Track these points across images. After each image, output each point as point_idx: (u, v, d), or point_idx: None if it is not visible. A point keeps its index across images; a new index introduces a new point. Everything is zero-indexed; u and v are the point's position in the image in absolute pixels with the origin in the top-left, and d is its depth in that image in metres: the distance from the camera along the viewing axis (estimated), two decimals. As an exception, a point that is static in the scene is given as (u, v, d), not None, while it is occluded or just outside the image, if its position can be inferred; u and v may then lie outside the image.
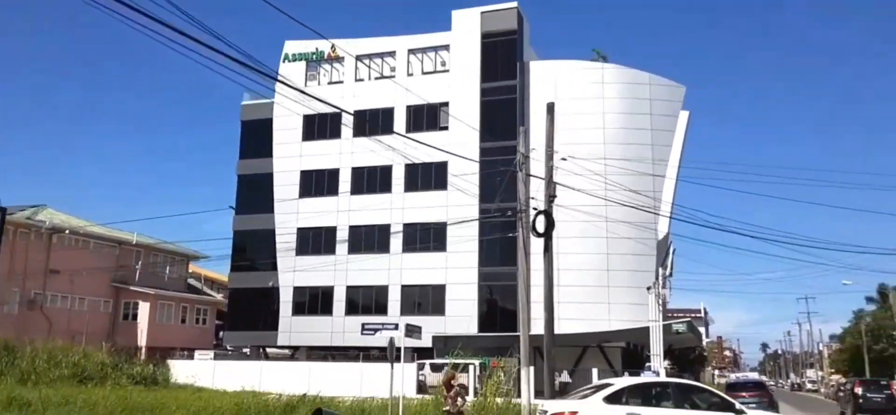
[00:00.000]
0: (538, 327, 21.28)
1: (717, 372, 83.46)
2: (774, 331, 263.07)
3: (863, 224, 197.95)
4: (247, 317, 40.97)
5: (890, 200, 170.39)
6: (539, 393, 22.11)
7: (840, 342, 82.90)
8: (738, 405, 11.75)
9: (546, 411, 12.41)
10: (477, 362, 27.55)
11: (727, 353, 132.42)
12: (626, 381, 13.43)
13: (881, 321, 64.33)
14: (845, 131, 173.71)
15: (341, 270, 39.26)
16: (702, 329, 78.03)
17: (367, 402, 20.86)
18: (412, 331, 19.27)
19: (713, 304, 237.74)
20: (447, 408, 14.88)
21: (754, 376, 69.09)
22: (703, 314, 79.86)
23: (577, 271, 35.35)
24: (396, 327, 21.26)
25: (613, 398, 11.80)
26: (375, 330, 24.92)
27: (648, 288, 30.14)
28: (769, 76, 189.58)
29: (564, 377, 31.15)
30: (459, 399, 14.88)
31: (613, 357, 34.07)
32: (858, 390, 30.72)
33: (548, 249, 17.94)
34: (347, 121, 39.20)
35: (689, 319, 31.18)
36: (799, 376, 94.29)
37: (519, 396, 18.91)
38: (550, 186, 17.84)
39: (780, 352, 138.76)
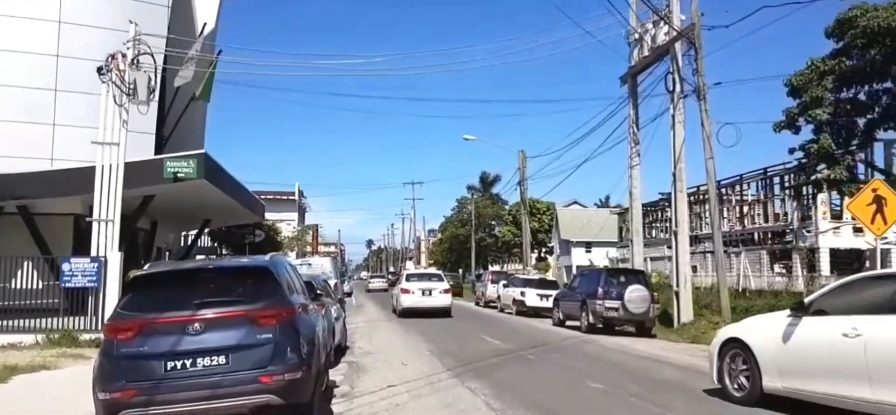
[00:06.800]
0: None
1: (312, 266, 72.24)
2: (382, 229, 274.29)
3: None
4: None
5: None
6: None
7: (440, 233, 78.85)
8: None
9: None
10: None
11: (332, 248, 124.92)
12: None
13: (482, 209, 59.01)
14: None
15: None
16: (293, 215, 65.01)
17: None
18: None
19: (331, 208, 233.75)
20: None
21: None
22: (296, 195, 66.61)
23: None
24: None
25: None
26: None
27: (100, 70, 13.31)
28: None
29: None
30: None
31: (54, 230, 16.60)
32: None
33: None
34: None
35: (203, 152, 15.44)
36: (397, 268, 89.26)
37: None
38: None
39: (382, 248, 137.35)
